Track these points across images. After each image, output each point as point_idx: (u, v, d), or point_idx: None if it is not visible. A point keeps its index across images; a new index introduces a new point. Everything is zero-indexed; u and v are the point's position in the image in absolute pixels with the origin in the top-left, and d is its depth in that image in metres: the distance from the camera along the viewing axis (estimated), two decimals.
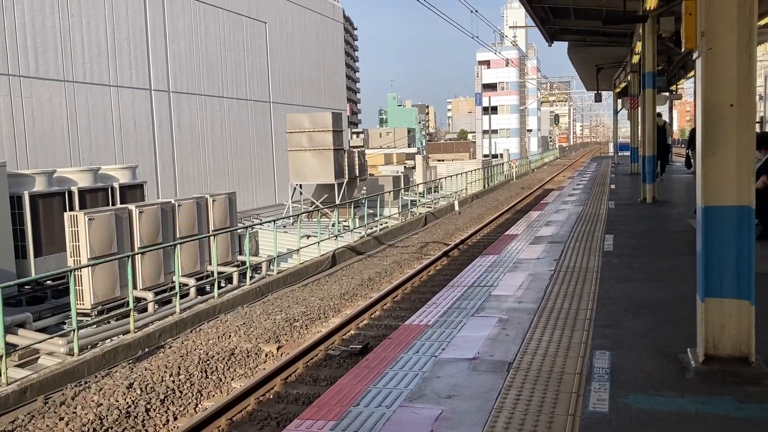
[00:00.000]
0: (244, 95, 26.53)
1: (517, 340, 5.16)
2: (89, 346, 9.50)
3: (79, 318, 9.43)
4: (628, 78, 24.58)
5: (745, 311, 4.09)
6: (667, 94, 26.11)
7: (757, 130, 19.17)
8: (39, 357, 9.52)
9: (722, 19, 3.95)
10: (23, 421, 7.21)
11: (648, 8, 12.73)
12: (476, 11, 27.40)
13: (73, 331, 8.93)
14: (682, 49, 4.28)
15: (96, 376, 8.54)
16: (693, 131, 22.43)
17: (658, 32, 14.04)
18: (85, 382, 8.31)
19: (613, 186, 19.99)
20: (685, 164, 24.75)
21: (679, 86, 34.73)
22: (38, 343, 9.28)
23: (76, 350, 8.89)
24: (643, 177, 14.97)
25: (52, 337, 9.32)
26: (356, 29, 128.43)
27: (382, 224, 20.94)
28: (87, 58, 18.73)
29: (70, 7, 18.07)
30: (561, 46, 25.74)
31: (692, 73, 25.82)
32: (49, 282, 12.05)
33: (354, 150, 24.32)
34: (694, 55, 4.20)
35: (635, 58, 19.60)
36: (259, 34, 27.63)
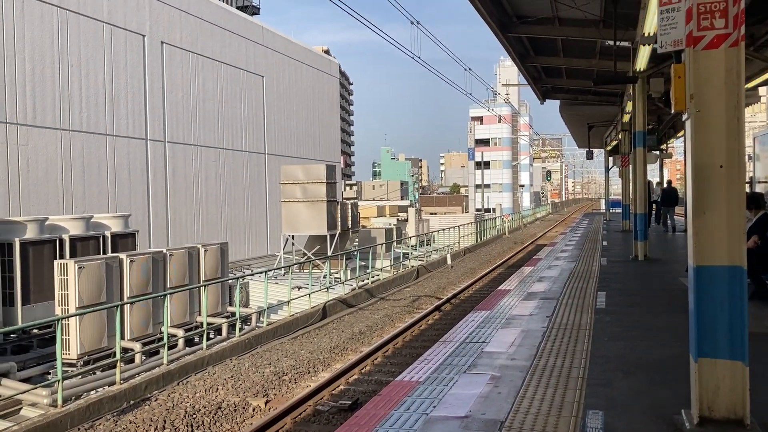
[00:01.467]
0: (239, 146, 26.74)
1: (509, 398, 5.09)
2: (74, 398, 9.31)
3: (64, 368, 9.26)
4: (619, 136, 24.98)
5: (739, 372, 4.06)
6: (657, 152, 26.52)
7: (747, 190, 19.43)
8: (21, 408, 9.30)
9: (710, 83, 4.04)
10: None
11: (638, 69, 13.03)
12: (470, 69, 27.99)
13: (58, 381, 8.76)
14: (672, 111, 4.36)
15: (79, 429, 8.33)
16: (664, 190, 23.29)
17: (648, 92, 14.35)
18: None
19: (605, 243, 20.07)
20: (655, 219, 25.50)
21: (669, 145, 35.28)
22: (21, 393, 9.08)
23: (59, 401, 8.69)
24: (635, 234, 15.05)
25: (36, 388, 9.13)
26: (352, 84, 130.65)
27: (374, 277, 20.86)
28: (84, 107, 18.91)
29: (70, 57, 18.32)
30: (553, 104, 26.24)
31: (682, 132, 26.29)
32: (35, 330, 11.87)
33: (347, 202, 24.41)
34: (684, 117, 4.28)
35: (626, 117, 19.97)
36: (256, 87, 28.03)
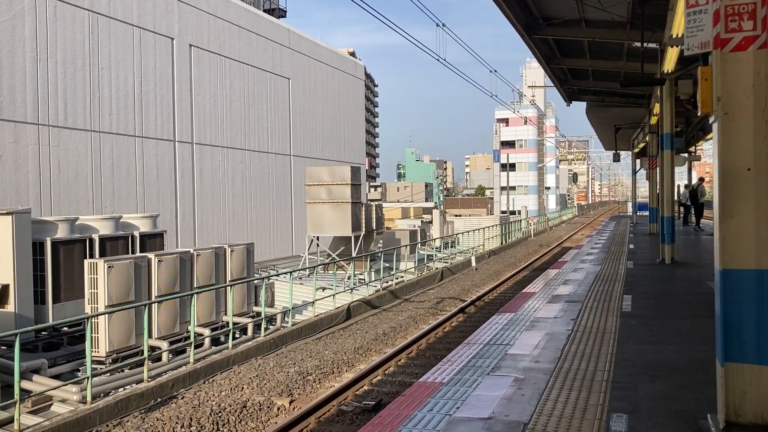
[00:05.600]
0: (265, 148, 26.95)
1: (532, 401, 5.09)
2: (102, 395, 9.47)
3: (93, 366, 9.44)
4: (647, 138, 24.72)
5: (767, 377, 4.02)
6: (685, 155, 26.21)
7: None
8: (52, 404, 9.49)
9: (738, 85, 4.01)
10: None
11: (666, 71, 12.90)
12: (495, 71, 27.88)
13: (87, 378, 8.93)
14: (699, 113, 4.33)
15: (107, 425, 8.49)
16: (693, 191, 23.80)
17: (676, 94, 14.19)
18: (97, 431, 8.25)
19: (631, 246, 19.87)
20: (683, 221, 26.09)
21: (698, 147, 34.80)
22: (52, 389, 9.27)
23: (89, 398, 8.86)
24: (662, 237, 14.89)
25: (66, 384, 9.31)
26: (377, 86, 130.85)
27: (398, 278, 20.88)
28: (114, 109, 19.22)
29: (100, 60, 18.64)
30: (579, 106, 26.13)
31: (711, 134, 25.97)
32: (65, 328, 12.10)
33: (371, 203, 24.47)
34: (711, 119, 4.25)
35: (653, 119, 19.75)
36: (282, 89, 28.24)
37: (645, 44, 12.38)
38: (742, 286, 4.05)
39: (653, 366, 5.98)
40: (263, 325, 13.29)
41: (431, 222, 35.73)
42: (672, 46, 11.10)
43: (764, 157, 4.01)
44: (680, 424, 4.44)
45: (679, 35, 9.95)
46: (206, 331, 12.37)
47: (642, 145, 29.86)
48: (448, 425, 4.62)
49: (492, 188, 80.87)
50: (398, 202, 69.37)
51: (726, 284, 4.09)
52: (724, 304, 4.10)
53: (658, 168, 18.51)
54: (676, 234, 16.24)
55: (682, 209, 29.21)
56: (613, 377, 5.65)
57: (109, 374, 10.27)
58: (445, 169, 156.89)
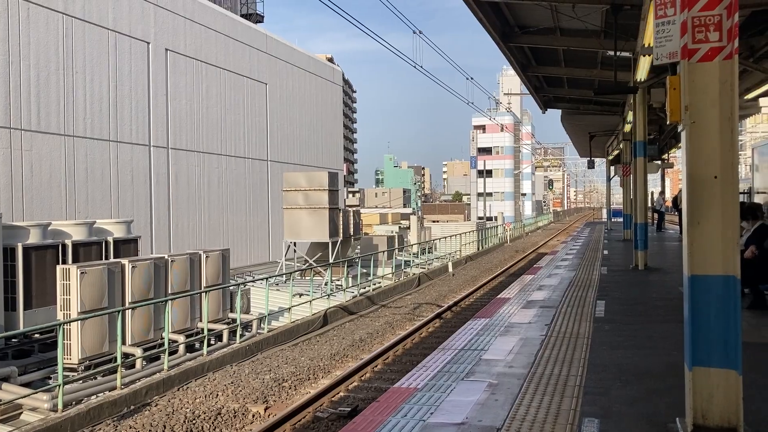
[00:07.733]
0: (242, 153, 26.83)
1: (506, 406, 5.13)
2: (74, 402, 9.34)
3: (65, 373, 9.31)
4: (621, 146, 25.04)
5: (733, 381, 4.09)
6: (659, 162, 26.57)
7: (747, 200, 19.56)
8: (22, 413, 9.34)
9: (705, 95, 4.10)
10: None
11: (639, 79, 13.09)
12: (472, 78, 28.09)
13: (59, 386, 8.81)
14: (668, 122, 4.42)
15: None
16: (675, 197, 24.27)
17: (648, 103, 14.40)
18: None
19: (606, 252, 20.09)
20: (657, 227, 27.02)
21: (671, 155, 35.30)
22: (22, 398, 9.12)
23: (60, 406, 8.74)
24: (635, 244, 15.08)
25: (37, 392, 9.17)
26: (355, 92, 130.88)
27: (375, 284, 20.88)
28: (88, 113, 19.01)
29: (75, 64, 18.44)
30: (555, 113, 26.41)
31: None
32: (36, 335, 11.92)
33: (349, 209, 24.46)
34: (679, 128, 4.34)
35: (627, 127, 20.02)
36: (259, 94, 28.15)
37: (618, 53, 12.54)
38: (710, 291, 4.13)
39: (625, 371, 6.06)
40: (239, 332, 13.21)
41: (409, 228, 35.82)
42: (644, 56, 11.27)
43: (730, 165, 4.10)
44: (650, 427, 4.51)
45: (651, 44, 10.09)
46: (181, 338, 12.26)
47: (616, 152, 30.23)
48: (422, 431, 4.63)
49: (469, 194, 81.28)
50: (376, 207, 69.38)
51: (694, 290, 4.16)
52: (692, 310, 4.17)
53: (631, 175, 18.76)
54: (650, 240, 16.46)
55: (655, 216, 29.65)
56: (585, 382, 5.72)
57: (81, 382, 10.14)
58: (423, 175, 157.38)
